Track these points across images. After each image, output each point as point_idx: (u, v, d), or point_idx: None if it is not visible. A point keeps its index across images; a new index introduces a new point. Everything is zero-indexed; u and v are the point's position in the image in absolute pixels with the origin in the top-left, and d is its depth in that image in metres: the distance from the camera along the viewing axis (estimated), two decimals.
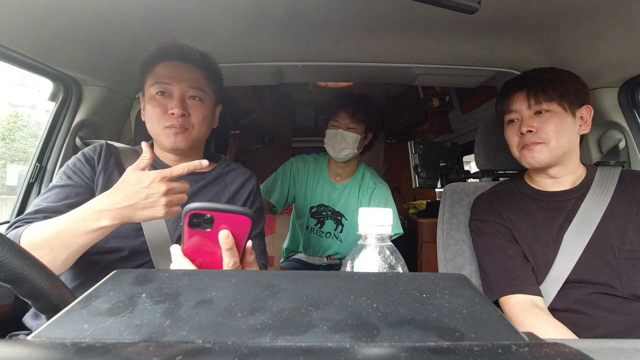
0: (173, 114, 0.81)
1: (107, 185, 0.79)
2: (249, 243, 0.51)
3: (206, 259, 0.50)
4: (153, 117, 0.82)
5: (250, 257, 0.54)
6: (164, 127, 0.82)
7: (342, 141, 1.39)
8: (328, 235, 1.51)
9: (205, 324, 0.22)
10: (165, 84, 0.82)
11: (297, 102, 3.17)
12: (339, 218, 1.49)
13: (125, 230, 0.77)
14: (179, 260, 0.49)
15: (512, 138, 0.90)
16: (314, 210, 1.51)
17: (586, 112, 0.86)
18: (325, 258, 1.55)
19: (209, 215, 0.46)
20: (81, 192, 0.78)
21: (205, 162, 0.65)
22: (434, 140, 2.58)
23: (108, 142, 0.90)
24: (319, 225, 1.51)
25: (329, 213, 1.50)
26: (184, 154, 0.88)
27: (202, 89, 0.86)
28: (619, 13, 0.84)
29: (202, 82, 0.86)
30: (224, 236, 0.46)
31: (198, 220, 0.46)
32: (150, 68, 0.85)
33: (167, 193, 0.63)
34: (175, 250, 0.49)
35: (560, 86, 0.83)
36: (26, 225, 0.67)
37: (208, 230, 0.47)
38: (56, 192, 0.76)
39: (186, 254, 0.49)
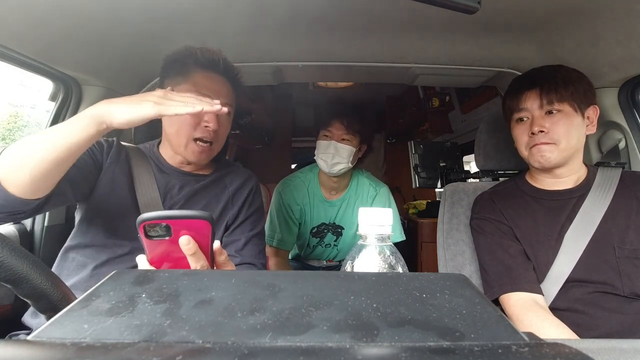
0: (207, 127, 0.81)
1: (113, 178, 0.80)
2: (217, 243, 0.50)
3: (174, 265, 0.48)
4: (183, 125, 0.80)
5: (222, 257, 0.52)
6: (193, 138, 0.81)
7: (336, 155, 1.28)
8: (327, 246, 1.49)
9: (205, 324, 0.22)
10: (206, 96, 0.80)
11: (297, 102, 3.17)
12: (339, 230, 1.45)
13: (129, 227, 0.77)
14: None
15: (521, 137, 0.89)
16: (314, 230, 1.45)
17: (592, 112, 0.87)
18: (324, 261, 1.55)
19: (164, 224, 0.44)
20: (87, 161, 0.77)
21: (222, 109, 0.68)
22: (434, 140, 2.58)
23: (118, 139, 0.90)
24: (318, 239, 1.48)
25: (330, 228, 1.46)
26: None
27: (232, 104, 0.88)
28: (619, 13, 0.84)
29: (232, 97, 0.88)
30: (185, 242, 0.45)
31: (155, 230, 0.44)
32: (189, 71, 0.83)
33: (161, 95, 0.65)
34: (141, 260, 0.48)
35: (572, 86, 0.82)
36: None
37: (167, 238, 0.45)
38: None
39: (152, 263, 0.48)
